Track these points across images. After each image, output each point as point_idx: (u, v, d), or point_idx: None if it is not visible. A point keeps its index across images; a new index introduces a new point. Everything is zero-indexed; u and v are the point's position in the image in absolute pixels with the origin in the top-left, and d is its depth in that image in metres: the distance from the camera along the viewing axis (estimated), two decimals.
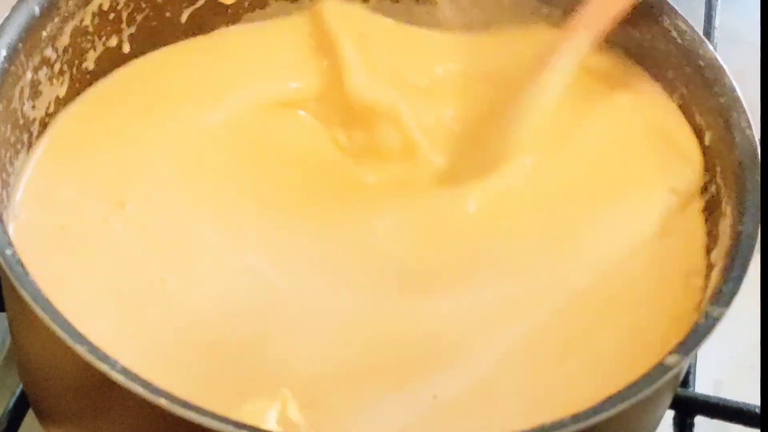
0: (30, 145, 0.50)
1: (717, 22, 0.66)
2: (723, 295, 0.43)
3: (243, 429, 0.38)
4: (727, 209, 0.48)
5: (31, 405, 0.51)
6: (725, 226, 0.47)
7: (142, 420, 0.41)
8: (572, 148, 0.52)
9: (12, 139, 0.48)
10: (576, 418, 0.40)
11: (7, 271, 0.41)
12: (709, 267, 0.47)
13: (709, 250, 0.49)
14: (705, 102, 0.51)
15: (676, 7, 0.52)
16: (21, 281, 0.41)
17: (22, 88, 0.48)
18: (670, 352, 0.42)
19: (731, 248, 0.45)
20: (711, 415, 0.53)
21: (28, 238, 0.46)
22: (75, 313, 0.41)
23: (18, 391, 0.52)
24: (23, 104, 0.49)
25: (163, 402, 0.38)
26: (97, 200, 0.49)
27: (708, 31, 0.65)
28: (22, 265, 0.42)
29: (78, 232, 0.48)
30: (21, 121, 0.49)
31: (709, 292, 0.45)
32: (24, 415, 0.52)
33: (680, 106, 0.52)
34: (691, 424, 0.53)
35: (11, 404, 0.52)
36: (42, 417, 0.50)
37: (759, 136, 0.48)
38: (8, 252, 0.42)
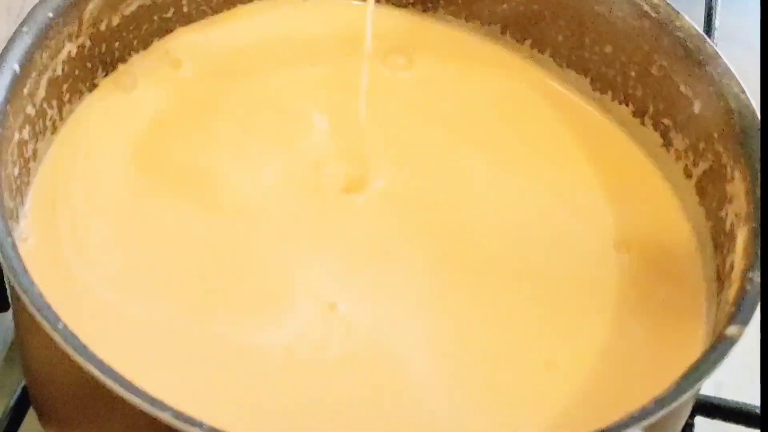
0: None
1: (717, 22, 0.67)
2: (759, 259, 0.45)
3: None
4: (735, 174, 0.49)
5: (33, 406, 0.50)
6: (737, 191, 0.48)
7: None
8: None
9: (10, 205, 0.46)
10: (660, 402, 0.40)
11: (15, 284, 0.41)
12: (726, 232, 0.49)
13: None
14: (689, 71, 0.51)
15: (675, 7, 0.52)
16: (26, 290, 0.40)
17: (12, 151, 0.47)
18: (728, 324, 0.43)
19: (755, 211, 0.46)
20: (711, 415, 0.53)
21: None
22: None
23: (18, 391, 0.52)
24: (14, 168, 0.47)
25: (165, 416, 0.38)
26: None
27: (708, 32, 0.65)
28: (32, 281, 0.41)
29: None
30: (13, 186, 0.47)
31: (742, 260, 0.46)
32: (24, 415, 0.52)
33: (662, 78, 0.53)
34: (691, 425, 0.53)
35: (11, 404, 0.51)
36: (44, 420, 0.49)
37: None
38: (17, 265, 0.41)
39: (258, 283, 0.48)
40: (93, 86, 0.52)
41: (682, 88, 0.52)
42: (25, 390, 0.51)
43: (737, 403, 0.54)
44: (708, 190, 0.51)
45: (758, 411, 0.53)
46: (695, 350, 0.44)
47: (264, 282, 0.48)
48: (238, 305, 0.47)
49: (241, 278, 0.48)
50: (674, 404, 0.40)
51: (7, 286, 0.45)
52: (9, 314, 0.57)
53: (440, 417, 0.45)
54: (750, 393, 0.52)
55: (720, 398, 0.54)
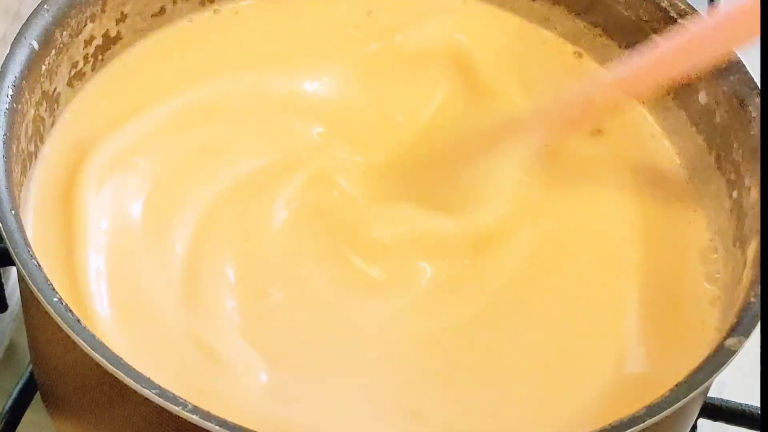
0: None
1: None
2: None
3: None
4: (752, 185, 0.48)
5: (42, 397, 0.51)
6: (754, 202, 0.48)
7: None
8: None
9: (21, 179, 0.47)
10: (650, 410, 0.40)
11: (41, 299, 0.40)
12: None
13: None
14: (713, 80, 0.51)
15: None
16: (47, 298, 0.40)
17: (26, 126, 0.47)
18: (727, 336, 0.42)
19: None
20: (713, 417, 0.53)
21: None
22: None
23: (15, 392, 0.52)
24: (28, 143, 0.47)
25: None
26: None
27: None
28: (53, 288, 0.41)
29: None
30: (27, 164, 0.48)
31: (751, 270, 0.45)
32: (21, 417, 0.52)
33: (686, 86, 0.52)
34: (694, 427, 0.53)
35: (8, 405, 0.52)
36: (51, 409, 0.50)
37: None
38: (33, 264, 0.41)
39: None
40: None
41: (702, 96, 0.51)
42: (22, 391, 0.52)
43: (740, 404, 0.53)
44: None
45: (759, 412, 0.53)
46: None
47: None
48: None
49: None
50: (666, 412, 0.40)
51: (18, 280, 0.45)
52: (6, 316, 0.58)
53: None
54: (752, 395, 0.51)
55: (722, 399, 0.53)
